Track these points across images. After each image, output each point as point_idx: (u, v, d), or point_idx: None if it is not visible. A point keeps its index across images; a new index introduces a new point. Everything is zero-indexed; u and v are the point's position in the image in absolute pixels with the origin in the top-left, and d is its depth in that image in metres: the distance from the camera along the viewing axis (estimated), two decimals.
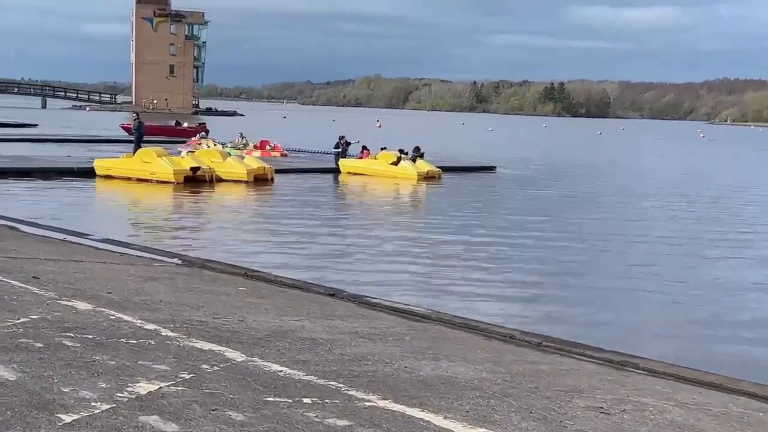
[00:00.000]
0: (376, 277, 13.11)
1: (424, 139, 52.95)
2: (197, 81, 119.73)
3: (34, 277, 9.28)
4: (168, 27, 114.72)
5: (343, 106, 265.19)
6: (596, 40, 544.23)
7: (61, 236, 14.24)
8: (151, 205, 21.36)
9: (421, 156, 30.26)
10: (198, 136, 36.18)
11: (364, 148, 31.30)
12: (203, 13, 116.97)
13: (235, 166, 25.62)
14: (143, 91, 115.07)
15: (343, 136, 31.56)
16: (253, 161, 26.64)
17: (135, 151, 26.88)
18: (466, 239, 17.61)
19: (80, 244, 13.59)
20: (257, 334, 7.51)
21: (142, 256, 12.66)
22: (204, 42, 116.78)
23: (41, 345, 6.30)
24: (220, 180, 25.10)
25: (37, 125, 58.93)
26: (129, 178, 24.74)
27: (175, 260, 12.61)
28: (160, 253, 13.18)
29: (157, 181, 24.23)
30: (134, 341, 6.74)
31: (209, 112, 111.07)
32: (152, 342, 6.78)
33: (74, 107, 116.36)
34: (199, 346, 6.78)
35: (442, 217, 20.86)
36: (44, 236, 14.10)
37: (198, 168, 24.50)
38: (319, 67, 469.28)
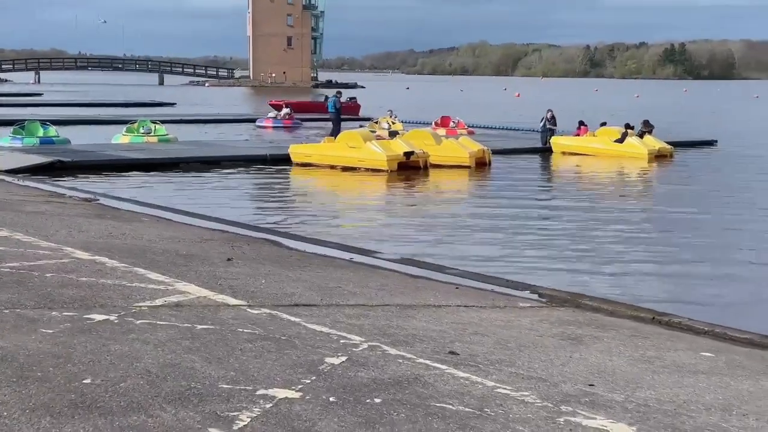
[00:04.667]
0: None
1: (569, 106, 48.70)
2: (315, 53, 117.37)
3: (451, 352, 6.31)
4: None
5: (449, 74, 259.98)
6: None
7: (345, 255, 11.35)
8: (384, 202, 18.31)
9: (650, 131, 26.50)
10: (384, 118, 32.43)
11: (581, 123, 27.77)
12: None
13: (455, 149, 22.41)
14: (261, 65, 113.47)
15: (550, 110, 28.09)
16: (470, 143, 23.42)
17: (334, 133, 24.00)
18: None
19: (379, 267, 10.64)
20: None
21: (481, 288, 9.62)
22: (322, 12, 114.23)
23: None
24: (432, 166, 22.02)
25: (175, 104, 57.16)
26: (332, 167, 21.88)
27: (526, 293, 9.53)
28: (495, 281, 10.11)
29: (366, 170, 21.32)
30: None
31: (329, 84, 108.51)
32: None
33: (192, 83, 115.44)
34: None
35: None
36: (326, 256, 11.22)
37: (411, 153, 21.45)
38: (421, 35, 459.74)
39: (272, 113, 38.44)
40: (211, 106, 57.95)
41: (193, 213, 14.39)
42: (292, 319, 6.98)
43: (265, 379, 5.26)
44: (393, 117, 32.59)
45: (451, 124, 32.36)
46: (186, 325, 6.46)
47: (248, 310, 7.21)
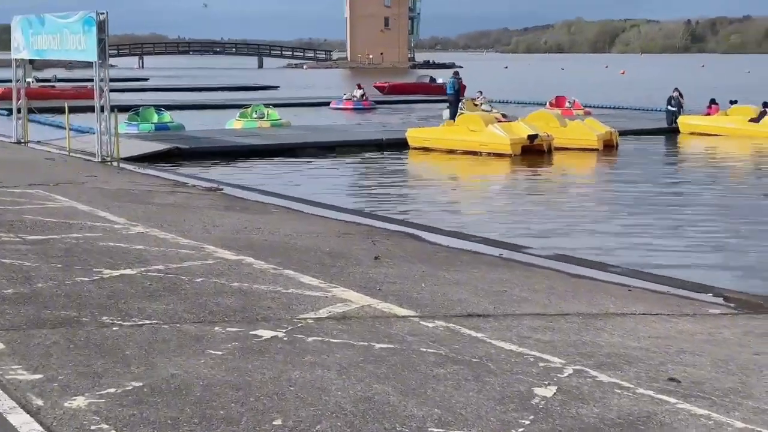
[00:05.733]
0: None
1: (682, 83, 46.53)
2: (412, 33, 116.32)
3: (670, 379, 5.40)
4: None
5: (544, 52, 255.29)
6: None
7: (492, 251, 10.49)
8: (512, 189, 17.34)
9: None
10: (470, 100, 30.69)
11: (712, 102, 26.22)
12: None
13: (583, 132, 21.28)
14: (358, 46, 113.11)
15: (676, 88, 26.58)
16: (597, 124, 22.24)
17: (453, 115, 23.09)
18: None
19: (533, 265, 9.73)
20: None
21: (656, 291, 8.64)
22: None
23: None
24: (557, 149, 20.93)
25: (278, 87, 57.03)
26: (452, 151, 21.01)
27: (709, 296, 8.50)
28: (669, 282, 9.10)
29: (488, 154, 20.37)
30: None
31: (427, 65, 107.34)
32: None
33: (290, 66, 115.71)
34: None
35: None
36: (471, 251, 10.39)
37: (536, 136, 20.41)
38: (515, 12, 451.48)
39: (347, 94, 37.81)
40: (313, 87, 57.60)
41: (322, 203, 13.73)
42: (474, 334, 6.19)
43: (478, 420, 4.48)
44: (482, 97, 30.53)
45: (567, 104, 30.97)
46: (362, 343, 5.72)
47: (422, 322, 6.44)
